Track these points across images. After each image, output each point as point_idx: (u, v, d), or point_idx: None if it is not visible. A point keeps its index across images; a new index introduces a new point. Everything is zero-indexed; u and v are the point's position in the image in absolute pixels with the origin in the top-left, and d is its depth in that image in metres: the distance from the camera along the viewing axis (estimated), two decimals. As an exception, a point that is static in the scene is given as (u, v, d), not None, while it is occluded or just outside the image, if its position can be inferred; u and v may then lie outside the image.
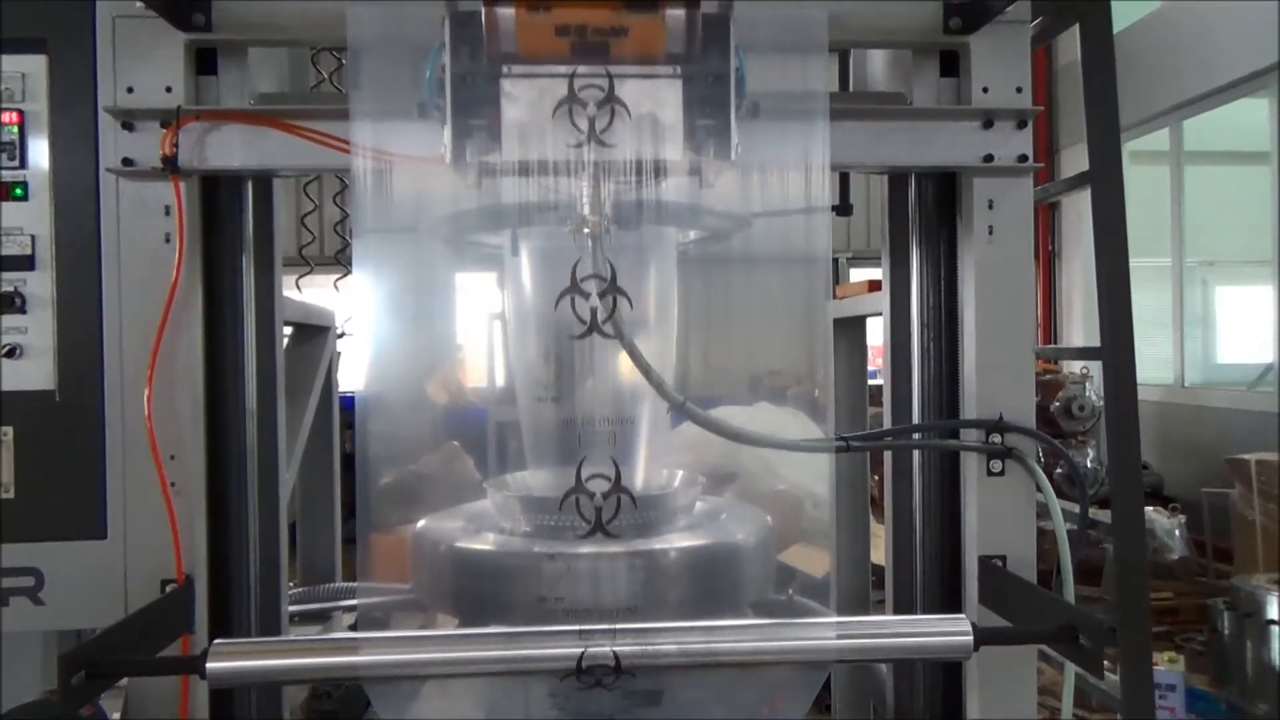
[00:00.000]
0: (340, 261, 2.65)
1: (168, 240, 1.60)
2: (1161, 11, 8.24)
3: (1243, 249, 8.83)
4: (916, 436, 1.93)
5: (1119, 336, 1.86)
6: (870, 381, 2.97)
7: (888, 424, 2.06)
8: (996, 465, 1.81)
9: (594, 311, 1.49)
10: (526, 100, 1.41)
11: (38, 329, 1.65)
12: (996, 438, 1.80)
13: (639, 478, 1.84)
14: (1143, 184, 8.67)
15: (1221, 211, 8.93)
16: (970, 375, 1.85)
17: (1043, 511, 1.83)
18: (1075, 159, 8.76)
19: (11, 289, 1.64)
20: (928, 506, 1.92)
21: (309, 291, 2.90)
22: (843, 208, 2.47)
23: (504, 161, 1.44)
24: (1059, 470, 3.76)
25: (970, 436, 1.83)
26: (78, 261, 1.64)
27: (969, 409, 1.85)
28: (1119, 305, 1.86)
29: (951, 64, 1.86)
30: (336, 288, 2.88)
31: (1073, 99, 8.62)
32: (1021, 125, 1.79)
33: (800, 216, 1.67)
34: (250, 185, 1.77)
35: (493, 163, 1.45)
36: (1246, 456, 6.04)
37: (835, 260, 8.79)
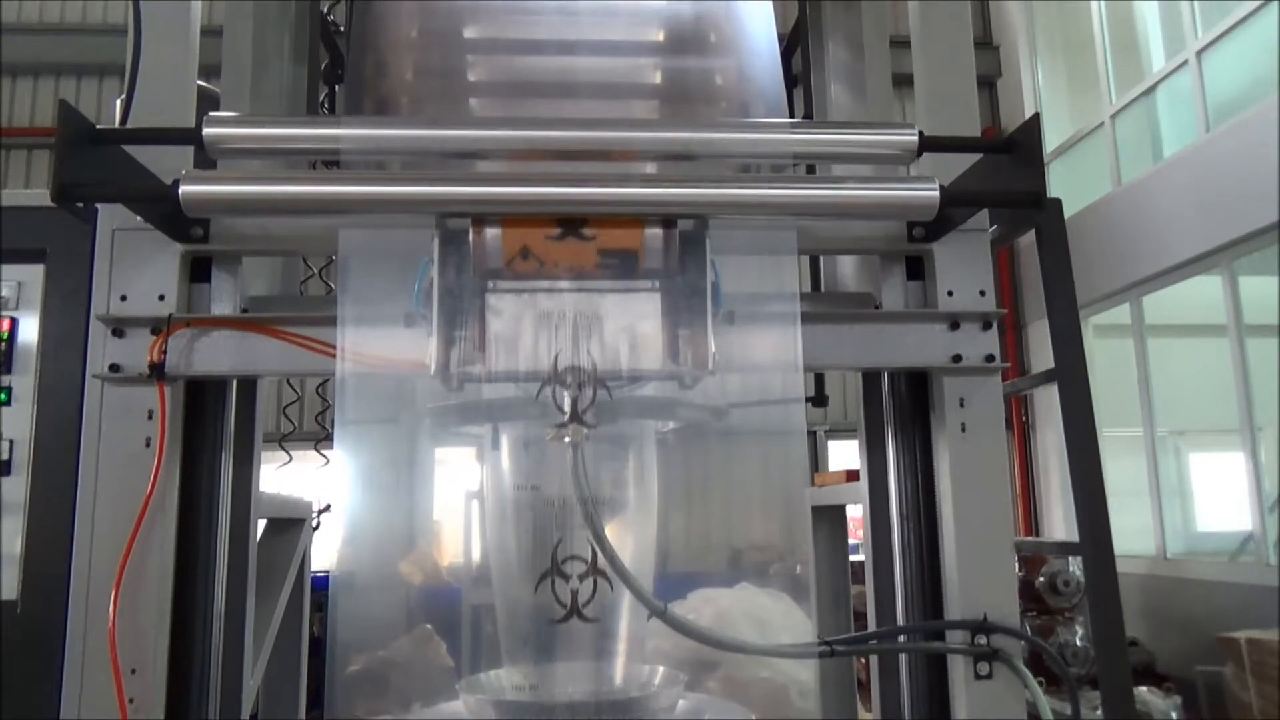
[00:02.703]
0: (319, 451, 2.65)
1: (148, 445, 1.60)
2: (1111, 196, 8.73)
3: (1211, 418, 9.02)
4: (901, 637, 1.90)
5: (1096, 530, 1.88)
6: (851, 557, 2.94)
7: (870, 610, 2.03)
8: (984, 668, 1.77)
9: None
10: (511, 314, 1.46)
11: (8, 536, 1.63)
12: (982, 638, 1.78)
13: (619, 676, 1.80)
14: (1109, 356, 8.93)
15: (1188, 381, 9.16)
16: (951, 571, 1.84)
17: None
18: (1042, 333, 9.05)
19: (-15, 495, 1.63)
20: (916, 706, 1.87)
21: (287, 467, 2.87)
22: (818, 399, 2.53)
23: (488, 371, 1.47)
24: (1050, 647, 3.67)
25: (955, 637, 1.80)
26: (55, 467, 1.63)
27: (952, 604, 1.83)
28: (1093, 498, 1.89)
29: (917, 268, 1.95)
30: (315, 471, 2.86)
31: (1037, 274, 8.97)
32: (986, 327, 1.86)
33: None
34: (235, 383, 1.80)
35: (476, 373, 1.48)
36: (1237, 635, 5.94)
37: (814, 434, 8.86)
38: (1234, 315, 7.60)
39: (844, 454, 9.13)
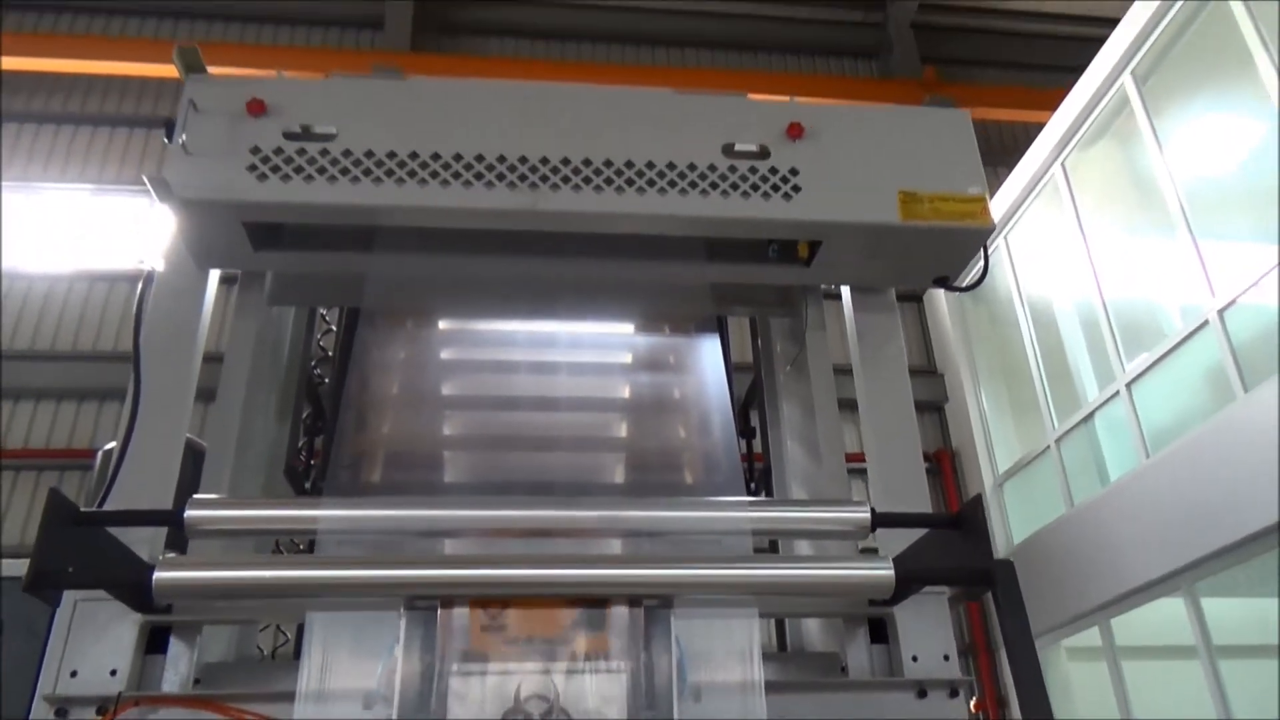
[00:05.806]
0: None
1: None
2: (1066, 518, 8.91)
3: (1203, 748, 8.59)
4: None
5: None
6: None
7: None
8: None
9: None
10: (475, 699, 1.43)
11: None
12: None
13: None
14: (1086, 680, 8.66)
15: (1170, 706, 8.82)
16: None
17: None
18: (1015, 655, 8.76)
19: None
20: None
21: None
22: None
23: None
24: None
25: None
26: None
27: None
28: None
29: (880, 629, 1.96)
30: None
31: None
32: (953, 694, 1.85)
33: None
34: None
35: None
36: None
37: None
38: (1202, 638, 7.50)
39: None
